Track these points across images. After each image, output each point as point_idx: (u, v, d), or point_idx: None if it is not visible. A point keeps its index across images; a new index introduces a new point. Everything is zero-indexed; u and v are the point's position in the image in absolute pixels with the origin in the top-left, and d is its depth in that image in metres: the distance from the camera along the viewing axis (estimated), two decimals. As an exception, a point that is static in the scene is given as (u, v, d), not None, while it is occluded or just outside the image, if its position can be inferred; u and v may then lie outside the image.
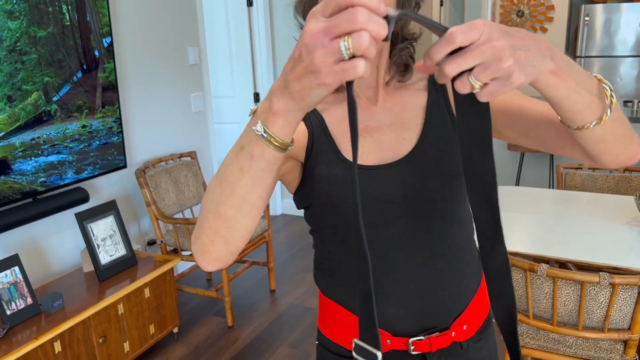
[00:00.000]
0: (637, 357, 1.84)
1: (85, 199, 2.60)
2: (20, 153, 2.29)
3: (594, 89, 0.62)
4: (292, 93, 0.53)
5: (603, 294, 1.73)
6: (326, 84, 0.49)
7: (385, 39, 0.47)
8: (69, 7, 2.45)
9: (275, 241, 4.12)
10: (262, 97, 4.41)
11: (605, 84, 0.64)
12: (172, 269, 2.69)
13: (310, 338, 2.82)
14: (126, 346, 2.46)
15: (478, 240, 0.65)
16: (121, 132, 2.79)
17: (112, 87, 2.71)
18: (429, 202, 0.87)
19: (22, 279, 2.19)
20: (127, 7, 2.96)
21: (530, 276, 1.81)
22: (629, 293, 1.72)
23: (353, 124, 0.53)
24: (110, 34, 2.68)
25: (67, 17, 2.45)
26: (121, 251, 2.60)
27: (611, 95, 0.63)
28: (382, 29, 0.46)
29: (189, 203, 3.21)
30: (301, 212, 4.31)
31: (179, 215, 3.30)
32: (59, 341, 2.12)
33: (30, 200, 2.39)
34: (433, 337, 0.90)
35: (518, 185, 4.00)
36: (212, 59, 4.40)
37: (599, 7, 4.80)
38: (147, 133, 3.16)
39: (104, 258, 2.52)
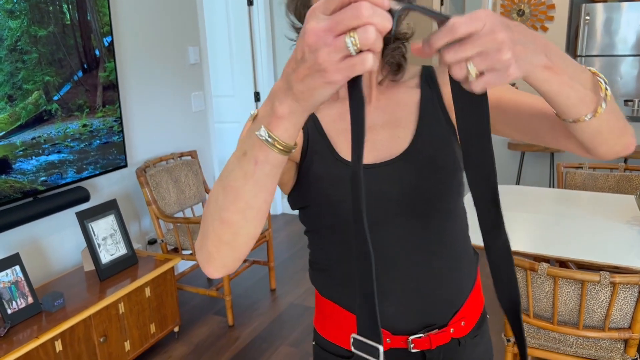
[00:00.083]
0: (637, 356, 1.84)
1: (85, 198, 2.60)
2: (21, 152, 2.29)
3: (589, 82, 0.63)
4: (296, 94, 0.52)
5: (603, 293, 1.73)
6: (333, 81, 0.48)
7: (390, 32, 0.47)
8: (70, 7, 2.45)
9: (276, 240, 4.13)
10: (262, 96, 4.41)
11: (599, 77, 0.64)
12: (172, 268, 2.70)
13: (311, 337, 2.82)
14: (127, 345, 2.46)
15: (480, 227, 0.65)
16: (122, 131, 2.79)
17: (112, 87, 2.71)
18: (426, 199, 0.87)
19: (22, 278, 2.20)
20: (128, 6, 2.96)
21: (531, 275, 1.81)
22: (630, 292, 1.72)
23: (361, 119, 0.53)
24: (111, 33, 2.69)
25: (68, 17, 2.45)
26: (122, 250, 2.60)
27: (606, 89, 0.64)
28: (387, 22, 0.46)
29: (189, 202, 3.21)
30: (302, 212, 4.31)
31: (180, 215, 3.30)
32: (59, 340, 2.12)
33: (31, 199, 2.39)
34: (432, 334, 0.90)
35: (518, 184, 4.00)
36: (213, 58, 4.41)
37: (599, 6, 4.80)
38: (147, 132, 3.17)
39: (105, 257, 2.52)
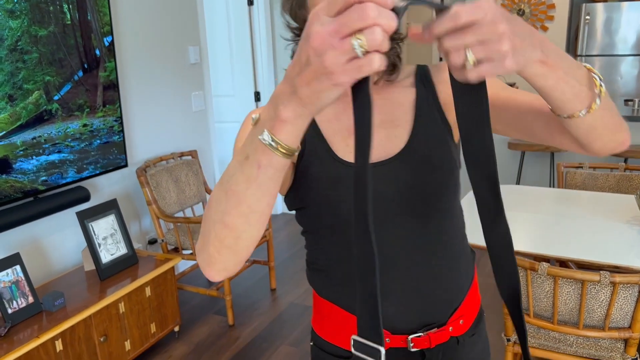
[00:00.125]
0: (637, 355, 1.84)
1: (86, 197, 2.60)
2: (22, 152, 2.30)
3: (584, 78, 0.63)
4: (301, 98, 0.51)
5: (604, 293, 1.74)
6: (340, 84, 0.48)
7: (396, 31, 0.47)
8: (70, 6, 2.45)
9: (276, 240, 4.13)
10: (262, 96, 4.41)
11: (594, 73, 0.65)
12: (173, 268, 2.70)
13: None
14: (127, 345, 2.47)
15: (480, 215, 0.65)
16: (122, 131, 2.79)
17: (113, 86, 2.71)
18: (424, 198, 0.88)
19: (23, 278, 2.20)
20: (128, 6, 2.96)
21: (531, 275, 1.81)
22: (630, 292, 1.72)
23: (368, 121, 0.52)
24: (111, 33, 2.69)
25: (68, 16, 2.45)
26: (122, 250, 2.61)
27: (600, 85, 0.64)
28: (393, 22, 0.46)
29: (189, 202, 3.21)
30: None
31: (180, 214, 3.30)
32: (60, 340, 2.12)
33: (31, 199, 2.39)
34: (432, 333, 0.90)
35: (519, 184, 4.00)
36: (213, 58, 4.41)
37: (599, 6, 4.80)
38: (148, 132, 3.17)
39: (105, 257, 2.52)
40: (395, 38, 0.89)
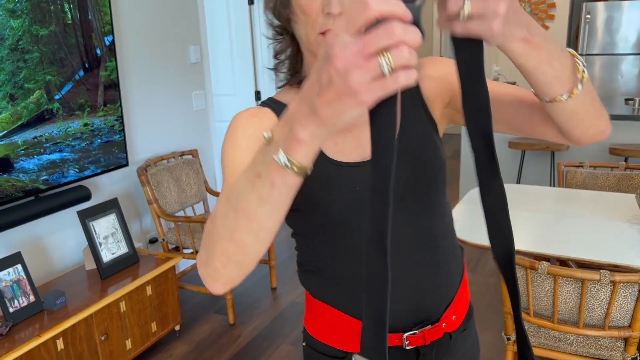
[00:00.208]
0: (637, 354, 1.84)
1: (87, 197, 2.61)
2: (23, 151, 2.30)
3: (567, 62, 0.64)
4: (322, 118, 0.50)
5: (604, 292, 1.74)
6: (365, 103, 0.47)
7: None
8: (71, 6, 2.45)
9: (277, 239, 4.13)
10: (263, 95, 4.42)
11: (578, 59, 0.66)
12: (173, 267, 2.70)
13: (312, 336, 2.82)
14: (128, 344, 2.47)
15: (477, 175, 0.65)
16: (123, 130, 2.79)
17: (113, 86, 2.72)
18: (414, 195, 0.88)
19: (24, 277, 2.20)
20: (129, 5, 2.97)
21: (531, 274, 1.81)
22: (630, 291, 1.73)
23: (391, 142, 0.52)
24: (112, 33, 2.69)
25: (69, 16, 2.45)
26: (123, 249, 2.61)
27: (583, 71, 0.65)
28: (418, 37, 0.45)
29: (190, 201, 3.22)
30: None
31: (181, 213, 3.31)
32: (61, 339, 2.13)
33: (32, 198, 2.40)
34: (426, 330, 0.91)
35: (519, 183, 4.01)
36: (214, 57, 4.41)
37: (600, 5, 4.80)
38: (148, 131, 3.17)
39: (106, 256, 2.53)
40: None
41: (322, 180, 0.86)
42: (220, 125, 4.48)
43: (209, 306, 3.16)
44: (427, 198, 0.90)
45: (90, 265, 2.61)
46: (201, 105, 3.60)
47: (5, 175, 2.24)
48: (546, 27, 4.79)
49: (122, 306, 2.41)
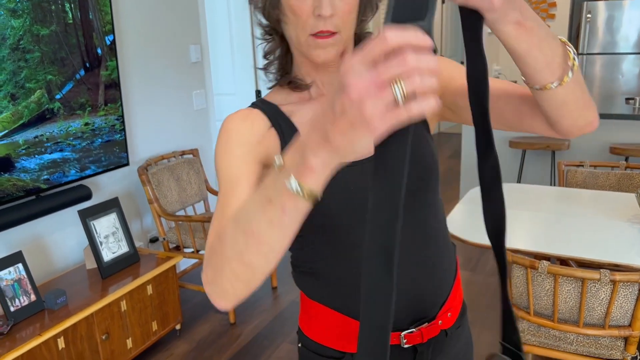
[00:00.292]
0: (637, 353, 1.84)
1: (88, 196, 2.61)
2: (24, 151, 2.30)
3: (558, 49, 0.65)
4: (334, 147, 0.50)
5: (604, 291, 1.74)
6: (379, 132, 0.47)
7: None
8: (72, 5, 2.46)
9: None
10: (263, 95, 4.41)
11: (569, 47, 0.67)
12: (174, 266, 2.71)
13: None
14: (129, 343, 2.48)
15: (476, 146, 0.66)
16: (124, 129, 2.80)
17: (114, 85, 2.72)
18: (409, 193, 0.88)
19: (25, 276, 2.21)
20: (130, 5, 2.97)
21: (532, 273, 1.82)
22: (630, 290, 1.73)
23: (400, 178, 0.52)
24: (113, 32, 2.69)
25: (70, 15, 2.45)
26: (124, 248, 2.61)
27: (574, 58, 0.66)
28: (433, 63, 0.44)
29: (191, 200, 3.22)
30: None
31: (181, 213, 3.31)
32: (62, 337, 2.13)
33: (33, 197, 2.40)
34: (423, 328, 0.91)
35: (520, 182, 4.01)
36: (214, 57, 4.41)
37: (601, 4, 4.79)
38: (149, 131, 3.17)
39: (107, 255, 2.53)
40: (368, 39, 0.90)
41: None
42: (221, 124, 4.48)
43: (210, 305, 3.17)
44: (422, 196, 0.90)
45: (91, 264, 2.61)
46: (202, 104, 3.60)
47: (6, 175, 2.25)
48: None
49: (123, 305, 2.42)
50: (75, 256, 2.77)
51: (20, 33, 2.25)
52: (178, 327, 2.83)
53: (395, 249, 0.53)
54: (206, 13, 3.78)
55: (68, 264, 2.73)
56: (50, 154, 2.42)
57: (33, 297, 2.21)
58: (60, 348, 2.13)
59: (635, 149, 3.42)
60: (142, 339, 2.55)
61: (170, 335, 2.85)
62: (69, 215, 2.70)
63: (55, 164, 2.44)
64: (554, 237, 2.09)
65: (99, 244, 2.50)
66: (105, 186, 2.90)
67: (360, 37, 0.90)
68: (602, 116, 3.60)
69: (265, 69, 0.94)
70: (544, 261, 1.76)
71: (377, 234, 0.53)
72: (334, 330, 0.93)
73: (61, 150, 2.46)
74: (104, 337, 2.32)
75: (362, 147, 0.50)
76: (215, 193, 3.35)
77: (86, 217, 2.47)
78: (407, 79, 0.44)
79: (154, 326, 2.62)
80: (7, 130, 2.23)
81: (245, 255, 0.63)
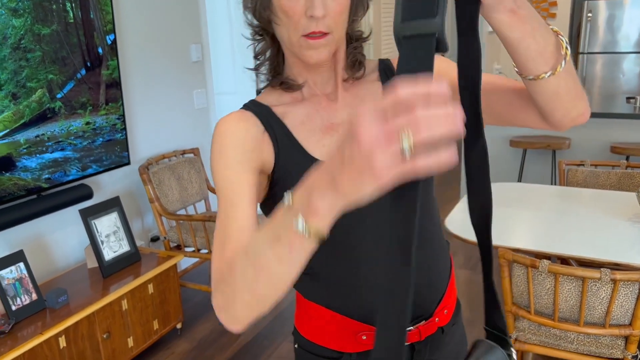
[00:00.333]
0: (638, 352, 1.84)
1: (89, 195, 2.61)
2: (25, 150, 2.31)
3: (550, 38, 0.65)
4: (341, 192, 0.51)
5: (604, 290, 1.74)
6: (386, 182, 0.46)
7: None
8: (73, 5, 2.46)
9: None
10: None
11: (561, 37, 0.67)
12: (175, 265, 2.71)
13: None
14: (130, 341, 2.48)
15: (465, 132, 0.65)
16: (125, 129, 2.80)
17: (115, 84, 2.72)
18: None
19: (27, 275, 2.21)
20: (131, 4, 2.97)
21: (532, 272, 1.82)
22: (630, 289, 1.73)
23: (412, 222, 0.51)
24: (114, 32, 2.69)
25: (71, 15, 2.46)
26: (125, 247, 2.62)
27: (566, 48, 0.66)
28: (443, 112, 0.42)
29: (192, 199, 3.22)
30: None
31: (182, 212, 3.32)
32: (63, 336, 2.14)
33: (34, 196, 2.41)
34: (421, 326, 0.92)
35: (520, 181, 4.01)
36: (215, 56, 4.41)
37: (602, 3, 4.79)
38: (150, 130, 3.18)
39: (108, 254, 2.54)
40: (359, 38, 0.91)
41: None
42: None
43: (211, 304, 3.16)
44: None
45: (92, 263, 2.62)
46: (202, 103, 3.60)
47: (7, 174, 2.25)
48: (547, 26, 4.80)
49: (124, 304, 2.42)
50: (77, 255, 2.77)
51: (22, 32, 2.25)
52: (179, 326, 2.83)
53: (413, 245, 0.53)
54: (207, 12, 3.78)
55: (69, 263, 2.73)
56: (51, 153, 2.42)
57: (34, 296, 2.21)
58: (61, 347, 2.13)
59: (636, 148, 3.42)
60: (143, 338, 2.56)
61: (171, 334, 2.86)
62: (70, 215, 2.70)
63: (56, 163, 2.45)
64: (555, 236, 2.09)
65: (100, 243, 2.51)
66: (106, 185, 2.90)
67: (351, 37, 0.90)
68: (603, 115, 3.61)
69: (256, 69, 0.94)
70: (545, 260, 1.77)
71: (395, 231, 0.53)
72: (332, 331, 0.93)
73: (62, 150, 2.47)
74: (105, 336, 2.33)
75: (368, 194, 0.49)
76: (215, 192, 3.35)
77: (87, 216, 2.48)
78: (415, 130, 0.42)
79: (155, 325, 2.63)
80: (8, 130, 2.24)
81: (256, 286, 0.65)
